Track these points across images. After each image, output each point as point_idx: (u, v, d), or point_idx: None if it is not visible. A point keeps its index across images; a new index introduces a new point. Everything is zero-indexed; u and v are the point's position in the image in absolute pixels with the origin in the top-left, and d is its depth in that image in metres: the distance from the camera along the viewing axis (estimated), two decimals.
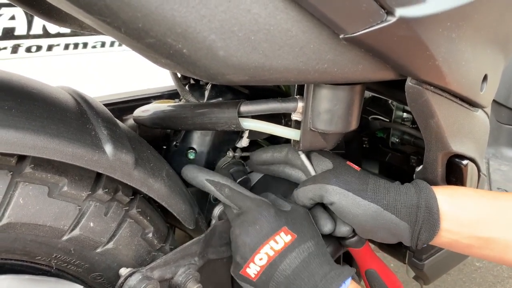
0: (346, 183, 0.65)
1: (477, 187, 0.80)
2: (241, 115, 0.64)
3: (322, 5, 0.43)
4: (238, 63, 0.43)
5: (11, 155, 0.49)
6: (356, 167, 0.70)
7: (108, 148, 0.54)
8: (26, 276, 0.50)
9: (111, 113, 0.63)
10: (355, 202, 0.64)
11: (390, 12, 0.46)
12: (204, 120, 0.66)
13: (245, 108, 0.64)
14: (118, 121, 0.63)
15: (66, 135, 0.50)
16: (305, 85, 0.61)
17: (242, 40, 0.42)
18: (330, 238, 0.72)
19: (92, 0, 0.38)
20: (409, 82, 0.55)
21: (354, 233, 0.72)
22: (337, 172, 0.67)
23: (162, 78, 1.04)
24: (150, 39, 0.40)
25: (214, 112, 0.65)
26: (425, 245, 0.65)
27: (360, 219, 0.64)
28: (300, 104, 0.62)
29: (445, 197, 0.64)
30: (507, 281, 1.74)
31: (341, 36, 0.46)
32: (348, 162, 0.70)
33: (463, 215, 0.63)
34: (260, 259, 0.61)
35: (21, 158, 0.50)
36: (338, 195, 0.65)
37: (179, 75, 0.79)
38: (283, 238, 0.62)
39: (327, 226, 0.69)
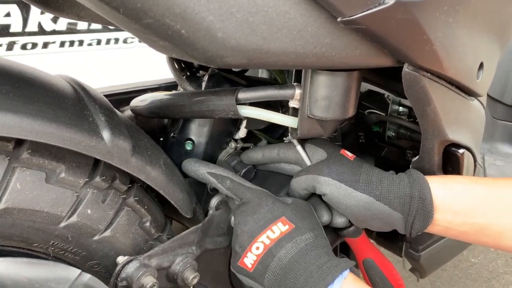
0: (339, 174, 0.65)
1: None
2: (239, 102, 0.64)
3: None
4: (237, 45, 0.43)
5: (9, 140, 0.49)
6: (350, 156, 0.70)
7: (106, 134, 0.54)
8: (24, 259, 0.50)
9: (108, 101, 0.63)
10: (347, 193, 0.64)
11: None
12: (202, 107, 0.66)
13: (242, 95, 0.64)
14: (115, 109, 0.63)
15: (63, 120, 0.50)
16: (303, 71, 0.61)
17: (241, 21, 0.42)
18: (327, 228, 0.72)
19: None
20: (406, 68, 0.55)
21: (350, 223, 0.72)
22: (330, 162, 0.67)
23: (157, 74, 1.05)
24: (148, 20, 0.40)
25: (212, 99, 0.65)
26: (421, 233, 0.65)
27: (353, 209, 0.65)
28: (298, 91, 0.62)
29: (439, 185, 0.64)
30: (502, 276, 1.74)
31: (338, 19, 0.46)
32: (342, 151, 0.70)
33: (457, 203, 0.63)
34: (257, 248, 0.61)
35: (19, 143, 0.50)
36: (330, 187, 0.65)
37: (176, 66, 0.79)
38: (279, 228, 0.61)
39: (323, 217, 0.70)
